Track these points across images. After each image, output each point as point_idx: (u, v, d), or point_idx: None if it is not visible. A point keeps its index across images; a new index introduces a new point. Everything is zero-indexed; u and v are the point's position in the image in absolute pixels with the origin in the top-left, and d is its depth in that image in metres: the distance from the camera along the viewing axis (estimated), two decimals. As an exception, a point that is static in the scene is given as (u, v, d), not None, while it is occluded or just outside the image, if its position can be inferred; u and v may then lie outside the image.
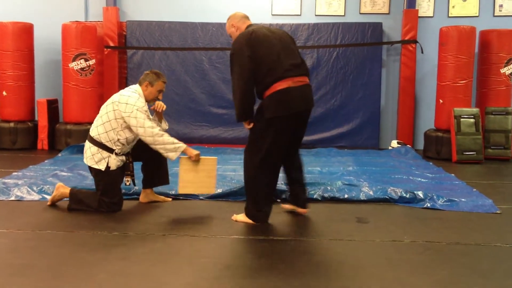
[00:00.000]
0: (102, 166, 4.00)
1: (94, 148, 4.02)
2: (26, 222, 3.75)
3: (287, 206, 4.10)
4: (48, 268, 2.90)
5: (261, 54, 3.59)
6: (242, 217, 3.84)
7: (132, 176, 4.18)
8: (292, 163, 3.92)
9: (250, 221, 3.79)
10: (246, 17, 3.93)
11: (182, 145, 3.99)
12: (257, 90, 3.68)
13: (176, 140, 3.99)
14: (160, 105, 4.18)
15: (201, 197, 4.52)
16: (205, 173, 4.07)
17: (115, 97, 4.03)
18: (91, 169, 4.08)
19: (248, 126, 3.76)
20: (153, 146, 3.97)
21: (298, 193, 4.01)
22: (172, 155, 3.96)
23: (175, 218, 3.96)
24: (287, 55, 3.64)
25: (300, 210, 4.01)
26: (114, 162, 4.02)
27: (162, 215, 4.02)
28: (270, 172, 3.72)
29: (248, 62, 3.56)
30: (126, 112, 3.93)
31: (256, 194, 3.73)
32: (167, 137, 3.96)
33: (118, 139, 3.99)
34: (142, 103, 4.00)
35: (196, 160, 4.02)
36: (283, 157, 3.79)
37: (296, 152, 3.94)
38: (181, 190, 4.15)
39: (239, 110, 3.70)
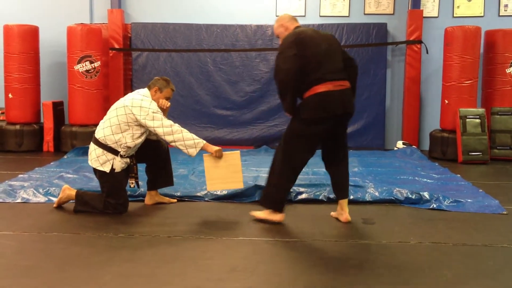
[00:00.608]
0: (107, 168, 4.01)
1: (99, 150, 4.03)
2: (32, 224, 3.76)
3: (333, 214, 4.03)
4: (54, 270, 2.90)
5: (307, 54, 3.63)
6: (261, 214, 3.89)
7: (136, 178, 4.19)
8: (333, 162, 3.91)
9: (268, 217, 3.84)
10: (295, 19, 3.95)
11: (202, 141, 3.99)
12: (299, 89, 3.73)
13: (195, 136, 3.99)
14: (164, 102, 4.18)
15: (206, 199, 4.53)
16: (230, 168, 4.07)
17: (127, 101, 4.02)
18: (95, 171, 4.10)
19: (288, 115, 3.85)
20: (173, 144, 3.97)
21: (336, 187, 3.96)
22: (192, 151, 3.95)
23: (180, 219, 3.96)
24: (330, 58, 3.68)
25: (342, 219, 3.91)
26: (119, 164, 4.03)
27: (167, 217, 4.03)
28: (295, 168, 3.79)
29: (295, 61, 3.61)
30: (142, 115, 3.93)
31: (278, 185, 3.80)
32: (186, 133, 3.96)
33: (126, 142, 4.00)
34: (155, 105, 4.02)
35: (218, 156, 4.03)
36: (327, 162, 3.91)
37: (339, 158, 3.89)
38: (210, 188, 4.16)
39: (287, 104, 3.74)
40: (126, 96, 4.16)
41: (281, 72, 3.64)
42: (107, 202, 4.03)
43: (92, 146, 4.09)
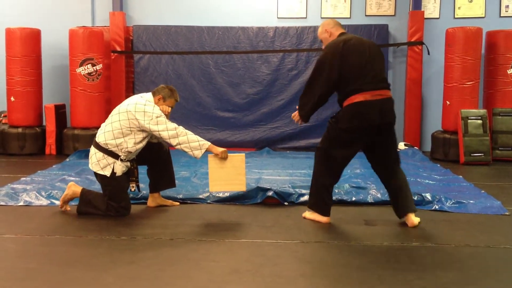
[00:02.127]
0: (107, 172, 4.02)
1: (100, 154, 4.03)
2: (34, 227, 3.77)
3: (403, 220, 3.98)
4: (57, 273, 2.91)
5: (349, 64, 3.66)
6: (310, 214, 3.97)
7: (137, 182, 4.19)
8: (388, 179, 3.86)
9: (317, 217, 3.91)
10: (340, 25, 3.97)
11: (207, 143, 4.00)
12: (338, 97, 3.80)
13: (200, 138, 4.00)
14: (166, 108, 4.18)
15: (208, 201, 4.53)
16: (234, 170, 4.08)
17: (130, 106, 4.01)
18: (96, 174, 4.10)
19: (296, 119, 3.99)
20: (178, 147, 3.97)
21: (395, 205, 3.90)
22: (197, 153, 3.96)
23: (183, 222, 3.96)
24: (371, 68, 3.69)
25: (408, 223, 3.86)
26: (120, 168, 4.03)
27: (170, 219, 4.03)
28: (332, 173, 3.84)
29: (335, 72, 3.66)
30: (146, 120, 3.94)
31: (317, 191, 3.89)
32: (190, 135, 3.97)
33: (127, 147, 4.00)
34: (158, 110, 4.03)
35: (223, 158, 4.03)
36: (378, 172, 3.91)
37: (390, 167, 3.85)
38: (212, 188, 4.16)
39: (306, 108, 3.85)
40: (129, 100, 4.15)
41: (322, 86, 3.70)
42: (109, 204, 4.04)
43: (93, 150, 4.09)
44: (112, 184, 4.03)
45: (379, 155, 3.86)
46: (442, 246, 3.40)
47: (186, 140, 3.94)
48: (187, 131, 3.99)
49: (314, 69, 3.79)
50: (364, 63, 3.67)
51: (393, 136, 3.87)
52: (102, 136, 4.04)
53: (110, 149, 4.00)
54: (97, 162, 4.04)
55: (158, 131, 3.94)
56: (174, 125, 3.98)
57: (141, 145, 4.06)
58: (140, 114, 3.96)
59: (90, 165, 4.11)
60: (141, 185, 4.40)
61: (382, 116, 3.67)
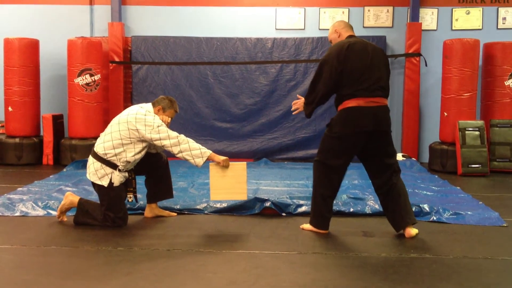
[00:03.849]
0: (105, 182, 4.00)
1: (98, 164, 4.02)
2: (31, 238, 3.75)
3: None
4: (53, 284, 2.89)
5: (348, 67, 3.67)
6: (308, 226, 3.97)
7: (134, 192, 4.18)
8: (382, 188, 3.81)
9: (315, 229, 3.91)
10: (350, 27, 3.98)
11: (208, 151, 4.00)
12: (335, 101, 3.83)
13: (201, 146, 4.00)
14: (165, 118, 4.18)
15: (205, 212, 4.52)
16: (235, 179, 4.06)
17: (130, 116, 4.00)
18: (94, 184, 4.09)
19: (296, 110, 4.13)
20: (179, 155, 3.96)
21: (391, 218, 3.86)
22: (199, 161, 3.95)
23: (180, 233, 3.95)
24: (369, 74, 3.68)
25: (406, 234, 3.81)
26: (117, 178, 4.02)
27: (167, 230, 4.01)
28: (330, 184, 3.82)
29: (335, 73, 3.67)
30: (147, 130, 3.94)
31: (314, 203, 3.89)
32: (192, 143, 3.97)
33: (126, 157, 3.99)
34: (158, 119, 4.03)
35: (225, 166, 4.02)
36: (372, 180, 3.87)
37: (386, 176, 3.78)
38: (213, 197, 4.13)
39: (310, 105, 3.91)
40: (129, 110, 4.14)
41: (323, 85, 3.73)
42: (106, 215, 4.02)
43: (91, 160, 4.08)
44: (110, 195, 4.01)
45: (374, 163, 3.83)
46: (440, 258, 3.39)
47: (187, 148, 3.94)
48: (188, 139, 3.99)
49: (317, 68, 3.81)
50: (363, 68, 3.66)
51: (389, 145, 3.82)
52: (101, 146, 4.03)
53: (108, 159, 3.99)
54: (95, 172, 4.02)
55: (160, 139, 3.94)
56: (176, 133, 3.98)
57: (140, 156, 4.06)
58: (141, 124, 3.96)
59: (87, 175, 4.10)
60: (138, 196, 4.38)
61: (376, 123, 3.67)
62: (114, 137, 3.99)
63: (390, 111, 3.87)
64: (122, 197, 4.09)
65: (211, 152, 4.00)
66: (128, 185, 4.14)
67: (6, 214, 4.39)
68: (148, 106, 4.15)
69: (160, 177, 4.32)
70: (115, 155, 3.98)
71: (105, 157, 3.99)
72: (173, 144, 3.93)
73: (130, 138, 3.97)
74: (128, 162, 4.02)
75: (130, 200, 4.16)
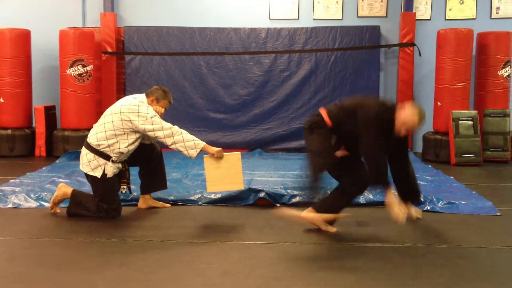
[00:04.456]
0: (98, 174, 3.98)
1: (91, 155, 3.99)
2: (23, 230, 3.73)
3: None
4: (46, 276, 2.87)
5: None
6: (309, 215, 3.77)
7: (128, 184, 4.16)
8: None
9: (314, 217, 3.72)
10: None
11: (202, 142, 3.98)
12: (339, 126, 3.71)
13: (195, 137, 3.98)
14: (159, 109, 4.14)
15: (199, 203, 4.50)
16: (230, 169, 4.04)
17: (123, 107, 3.98)
18: (87, 176, 4.06)
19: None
20: (173, 146, 3.94)
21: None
22: (192, 153, 3.93)
23: (174, 223, 3.94)
24: None
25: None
26: (111, 169, 3.99)
27: (161, 221, 4.00)
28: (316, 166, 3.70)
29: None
30: (140, 121, 3.91)
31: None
32: (186, 135, 3.94)
33: (119, 148, 3.96)
34: (152, 110, 4.00)
35: (219, 157, 4.01)
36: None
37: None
38: (210, 189, 4.13)
39: (383, 178, 3.64)
40: (122, 100, 4.11)
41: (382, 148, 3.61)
42: (99, 206, 4.00)
43: (84, 151, 4.05)
44: (103, 186, 3.99)
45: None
46: (435, 247, 3.40)
47: (181, 139, 3.92)
48: (182, 130, 3.97)
49: (369, 128, 3.60)
50: None
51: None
52: (94, 137, 4.00)
53: (101, 150, 3.96)
54: (88, 163, 4.00)
55: (153, 130, 3.91)
56: (169, 124, 3.95)
57: (133, 146, 4.03)
58: (134, 115, 3.93)
59: (80, 166, 4.07)
60: (132, 187, 4.36)
61: None
62: (107, 128, 3.96)
63: (384, 100, 3.87)
64: (115, 188, 4.07)
65: (204, 143, 3.98)
66: (121, 176, 4.12)
67: (-2, 206, 4.36)
68: (142, 96, 4.12)
69: (154, 168, 4.30)
70: (108, 146, 3.95)
71: (98, 148, 3.97)
72: (166, 135, 3.91)
73: (123, 129, 3.94)
74: (121, 153, 3.99)
75: (123, 191, 4.15)
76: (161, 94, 4.14)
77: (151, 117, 3.93)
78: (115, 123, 3.95)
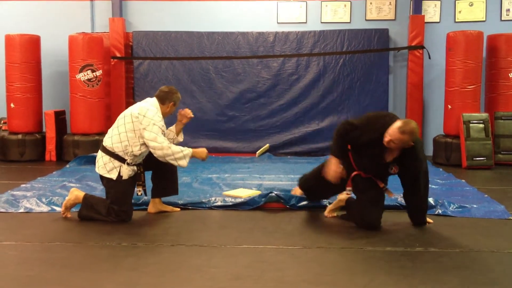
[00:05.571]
0: (113, 175, 4.02)
1: (106, 158, 4.05)
2: (35, 234, 3.74)
3: None
4: (57, 280, 2.88)
5: None
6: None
7: (143, 186, 4.19)
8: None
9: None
10: None
11: (189, 151, 4.06)
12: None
13: (182, 148, 4.03)
14: (188, 112, 4.26)
15: (209, 206, 4.50)
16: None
17: (134, 109, 4.07)
18: (102, 178, 4.10)
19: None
20: (163, 159, 4.02)
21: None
22: (182, 163, 4.01)
23: (184, 228, 3.94)
24: None
25: None
26: (126, 172, 4.04)
27: (171, 225, 4.00)
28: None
29: None
30: (143, 125, 3.97)
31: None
32: (174, 148, 4.00)
33: (132, 151, 4.01)
34: (159, 118, 4.05)
35: (205, 158, 4.22)
36: None
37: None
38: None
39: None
40: (134, 105, 4.21)
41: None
42: (110, 208, 4.03)
43: (100, 154, 4.12)
44: (116, 188, 4.03)
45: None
46: (446, 251, 3.37)
47: (170, 153, 3.98)
48: (170, 144, 4.01)
49: (421, 161, 3.87)
50: None
51: None
52: (109, 140, 4.07)
53: (116, 152, 4.03)
54: (104, 165, 4.06)
55: (148, 139, 3.96)
56: (164, 139, 3.99)
57: (146, 148, 4.07)
58: (141, 117, 4.00)
59: (96, 168, 4.14)
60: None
61: None
62: (120, 130, 4.04)
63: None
64: (128, 191, 4.10)
65: (191, 150, 4.08)
66: (137, 179, 4.15)
67: (10, 210, 4.38)
68: (152, 100, 4.17)
69: (166, 173, 4.32)
70: (123, 149, 4.01)
71: (113, 151, 4.03)
72: (157, 148, 3.96)
73: (134, 130, 4.00)
74: (135, 155, 4.04)
75: (139, 194, 4.19)
76: (177, 97, 4.27)
77: (153, 123, 3.98)
78: (127, 125, 4.02)
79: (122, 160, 4.03)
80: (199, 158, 4.18)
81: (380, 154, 3.75)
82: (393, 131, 3.60)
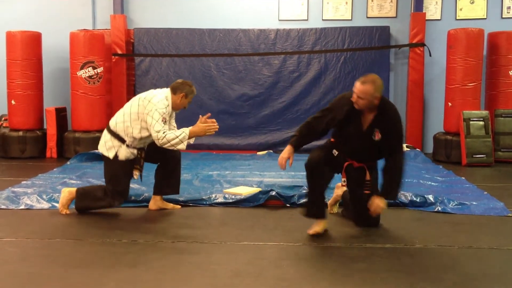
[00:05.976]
0: (111, 154, 4.10)
1: (108, 136, 4.15)
2: (35, 231, 3.75)
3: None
4: (58, 277, 2.89)
5: None
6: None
7: (140, 170, 4.20)
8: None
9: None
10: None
11: (185, 134, 4.02)
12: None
13: (177, 132, 4.02)
14: (214, 128, 4.17)
15: (210, 203, 4.51)
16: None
17: (142, 95, 4.17)
18: (102, 158, 4.19)
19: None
20: (162, 146, 4.02)
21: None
22: (181, 146, 4.04)
23: (184, 225, 3.95)
24: None
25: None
26: (124, 153, 4.09)
27: (171, 222, 4.01)
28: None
29: None
30: (147, 109, 4.03)
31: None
32: (169, 134, 3.99)
33: (132, 132, 4.07)
34: (163, 106, 4.04)
35: (206, 132, 4.12)
36: None
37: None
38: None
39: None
40: (148, 91, 4.27)
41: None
42: (106, 189, 4.11)
43: (104, 132, 4.23)
44: (112, 167, 4.10)
45: None
46: (445, 248, 3.38)
47: (166, 140, 3.98)
48: (165, 133, 3.97)
49: (400, 141, 3.96)
50: None
51: None
52: (114, 120, 4.19)
53: (117, 132, 4.10)
54: (104, 143, 4.16)
55: (149, 125, 3.98)
56: (164, 127, 3.98)
57: (146, 134, 4.08)
58: (146, 101, 4.06)
59: (99, 146, 4.25)
60: (143, 188, 4.39)
61: None
62: (125, 111, 4.14)
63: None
64: (125, 173, 4.14)
65: (187, 132, 4.02)
66: (135, 162, 4.18)
67: (10, 207, 4.39)
68: (165, 90, 4.19)
69: (170, 170, 4.33)
70: (124, 129, 4.09)
71: (115, 130, 4.12)
72: (154, 134, 3.97)
73: (138, 113, 4.06)
74: (134, 137, 4.09)
75: (135, 177, 4.21)
76: (190, 89, 4.20)
77: (156, 109, 3.99)
78: (132, 107, 4.11)
79: (122, 140, 4.10)
80: (198, 135, 4.11)
81: (358, 123, 3.74)
82: (356, 86, 3.69)
